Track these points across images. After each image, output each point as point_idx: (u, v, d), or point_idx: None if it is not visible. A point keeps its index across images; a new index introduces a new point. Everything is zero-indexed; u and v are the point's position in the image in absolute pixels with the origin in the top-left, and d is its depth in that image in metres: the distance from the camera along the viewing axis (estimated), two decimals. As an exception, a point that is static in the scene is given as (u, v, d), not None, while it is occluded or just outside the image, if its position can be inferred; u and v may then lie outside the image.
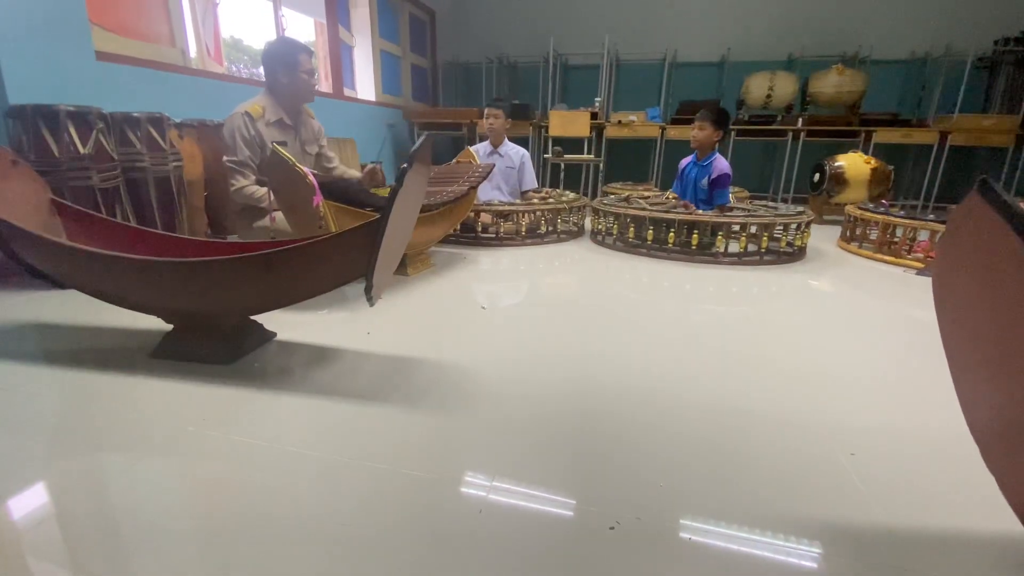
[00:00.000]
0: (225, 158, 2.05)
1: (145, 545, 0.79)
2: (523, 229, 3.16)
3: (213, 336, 1.42)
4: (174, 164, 2.35)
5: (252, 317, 1.53)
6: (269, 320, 1.55)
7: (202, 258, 1.33)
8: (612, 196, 3.67)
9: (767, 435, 1.13)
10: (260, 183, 2.07)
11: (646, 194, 3.73)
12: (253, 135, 2.04)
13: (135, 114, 2.19)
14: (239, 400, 1.22)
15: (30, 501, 0.89)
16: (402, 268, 2.32)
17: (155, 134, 2.26)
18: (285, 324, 1.61)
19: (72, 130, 1.96)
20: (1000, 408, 0.60)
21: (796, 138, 5.11)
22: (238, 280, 1.32)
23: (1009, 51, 4.99)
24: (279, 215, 1.98)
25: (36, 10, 2.11)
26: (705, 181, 3.11)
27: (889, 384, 1.42)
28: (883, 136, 4.87)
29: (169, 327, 1.45)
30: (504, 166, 3.46)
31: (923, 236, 2.90)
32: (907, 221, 2.88)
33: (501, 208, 3.13)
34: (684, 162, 3.33)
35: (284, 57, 2.07)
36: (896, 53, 5.39)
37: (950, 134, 4.78)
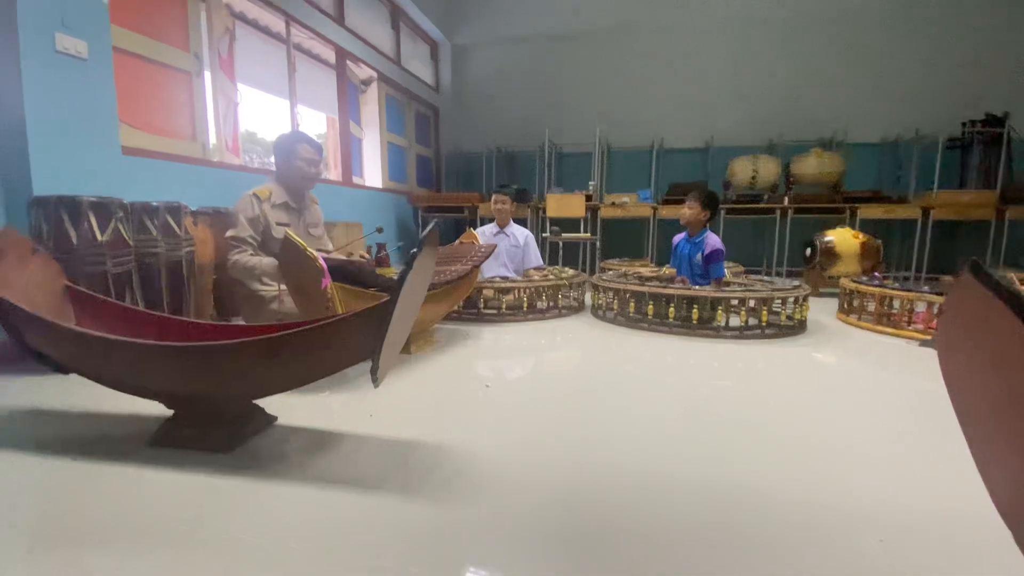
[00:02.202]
0: (228, 233, 2.18)
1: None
2: (524, 304, 3.20)
3: (212, 422, 1.39)
4: (187, 249, 2.42)
5: (254, 401, 1.50)
6: (270, 403, 1.52)
7: (206, 343, 1.33)
8: (611, 272, 3.75)
9: (793, 520, 1.07)
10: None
11: (643, 271, 3.82)
12: (257, 214, 2.19)
13: (154, 203, 2.30)
14: (236, 491, 1.17)
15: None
16: (405, 346, 2.32)
17: (172, 222, 2.35)
18: (286, 407, 1.58)
19: (92, 219, 2.04)
20: (1028, 488, 0.59)
21: (784, 215, 5.32)
22: (242, 365, 1.31)
23: (978, 132, 5.34)
24: (287, 297, 2.02)
25: (71, 109, 2.29)
26: (699, 257, 3.21)
27: (909, 461, 1.38)
28: (867, 212, 5.08)
29: (169, 413, 1.43)
30: (510, 245, 3.64)
31: (920, 307, 2.93)
32: (902, 293, 2.93)
33: (503, 285, 3.19)
34: (677, 239, 3.45)
35: (285, 146, 2.31)
36: (869, 137, 5.77)
37: (932, 209, 4.99)
